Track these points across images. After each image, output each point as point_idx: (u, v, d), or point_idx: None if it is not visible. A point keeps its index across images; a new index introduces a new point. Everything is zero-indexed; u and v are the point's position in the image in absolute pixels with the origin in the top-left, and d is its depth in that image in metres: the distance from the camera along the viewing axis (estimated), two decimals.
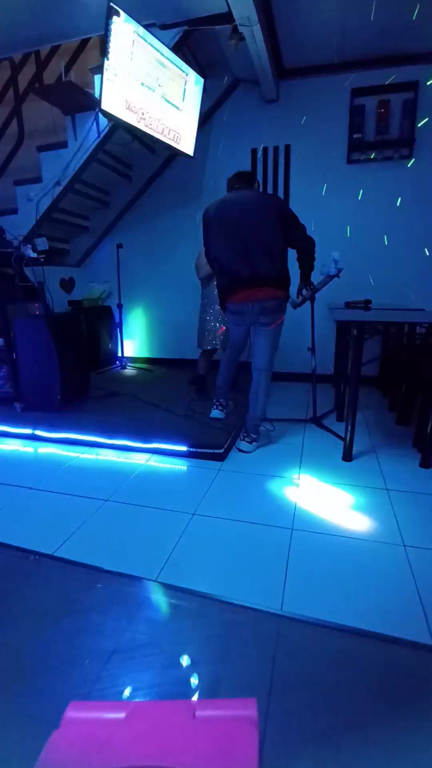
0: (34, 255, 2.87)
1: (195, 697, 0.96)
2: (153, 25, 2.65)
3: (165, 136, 3.01)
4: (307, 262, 2.30)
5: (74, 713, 0.69)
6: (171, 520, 1.70)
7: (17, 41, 2.95)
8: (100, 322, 4.17)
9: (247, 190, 2.26)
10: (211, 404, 2.70)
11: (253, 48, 2.75)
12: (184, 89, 3.02)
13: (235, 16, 2.44)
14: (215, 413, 2.64)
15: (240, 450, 2.38)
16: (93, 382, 3.31)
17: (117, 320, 4.24)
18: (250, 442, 2.38)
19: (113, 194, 4.00)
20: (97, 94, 2.45)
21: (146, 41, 2.54)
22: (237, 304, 2.28)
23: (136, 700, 0.95)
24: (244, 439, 2.39)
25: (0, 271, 2.88)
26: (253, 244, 2.14)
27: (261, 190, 2.32)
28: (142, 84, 2.64)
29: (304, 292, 2.46)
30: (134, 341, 4.49)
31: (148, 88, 2.71)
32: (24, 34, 2.85)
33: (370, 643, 1.11)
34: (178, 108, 3.05)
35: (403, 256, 3.51)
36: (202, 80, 3.11)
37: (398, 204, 3.43)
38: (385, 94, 3.25)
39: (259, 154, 3.61)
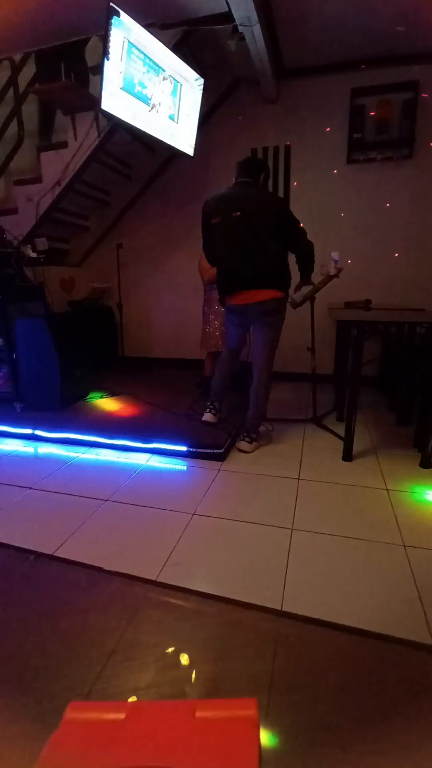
0: (34, 255, 2.87)
1: (195, 697, 0.96)
2: (153, 25, 2.65)
3: (165, 136, 3.01)
4: (307, 266, 2.33)
5: (74, 713, 0.68)
6: (171, 520, 1.70)
7: (17, 41, 2.95)
8: (100, 322, 4.17)
9: (249, 186, 2.24)
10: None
11: (253, 48, 2.75)
12: (184, 89, 3.02)
13: (235, 16, 2.44)
14: (207, 417, 2.58)
15: (240, 450, 2.38)
16: (93, 382, 3.31)
17: (117, 320, 4.24)
18: (250, 442, 2.38)
19: (113, 194, 3.99)
20: (97, 94, 2.45)
21: (146, 41, 2.54)
22: (238, 305, 2.29)
23: (136, 700, 0.95)
24: (244, 439, 2.39)
25: (0, 271, 2.87)
26: (253, 245, 2.15)
27: (267, 180, 2.30)
28: (142, 84, 2.64)
29: (302, 288, 2.47)
30: (134, 341, 4.49)
31: (148, 88, 2.71)
32: (24, 33, 2.85)
33: (370, 643, 1.11)
34: (178, 108, 3.05)
35: (403, 256, 3.51)
36: (202, 80, 3.11)
37: (398, 204, 3.43)
38: (385, 94, 3.25)
39: (259, 154, 3.60)
